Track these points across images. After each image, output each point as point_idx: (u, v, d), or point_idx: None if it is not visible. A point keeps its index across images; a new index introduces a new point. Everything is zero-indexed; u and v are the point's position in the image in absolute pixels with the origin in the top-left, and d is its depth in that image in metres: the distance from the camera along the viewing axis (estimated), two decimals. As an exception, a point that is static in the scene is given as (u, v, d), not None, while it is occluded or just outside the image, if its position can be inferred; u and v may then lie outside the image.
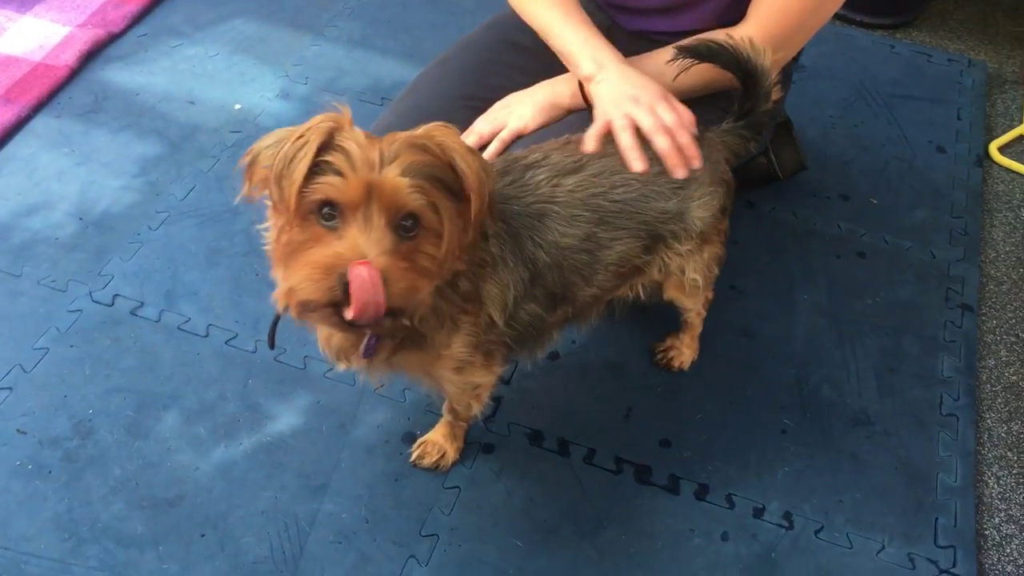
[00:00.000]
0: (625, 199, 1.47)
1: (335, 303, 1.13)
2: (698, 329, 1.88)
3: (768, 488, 1.74)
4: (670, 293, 1.68)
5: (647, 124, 1.46)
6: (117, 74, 2.44)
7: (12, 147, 2.23)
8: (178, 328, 1.90)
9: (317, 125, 1.14)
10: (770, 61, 1.53)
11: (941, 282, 2.13)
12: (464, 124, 1.69)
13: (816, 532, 1.68)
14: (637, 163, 1.45)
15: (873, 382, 1.92)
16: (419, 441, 1.73)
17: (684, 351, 1.89)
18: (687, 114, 1.49)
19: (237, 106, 2.37)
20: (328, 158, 1.13)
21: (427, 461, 1.71)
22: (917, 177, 2.38)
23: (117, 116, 2.32)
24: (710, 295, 1.84)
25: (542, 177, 1.43)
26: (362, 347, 1.34)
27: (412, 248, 1.18)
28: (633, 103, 1.47)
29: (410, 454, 1.72)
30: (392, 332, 1.27)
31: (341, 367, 1.45)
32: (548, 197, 1.43)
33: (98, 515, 1.62)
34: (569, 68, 1.64)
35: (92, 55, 2.47)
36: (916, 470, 1.78)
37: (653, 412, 1.84)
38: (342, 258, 1.12)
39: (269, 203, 1.21)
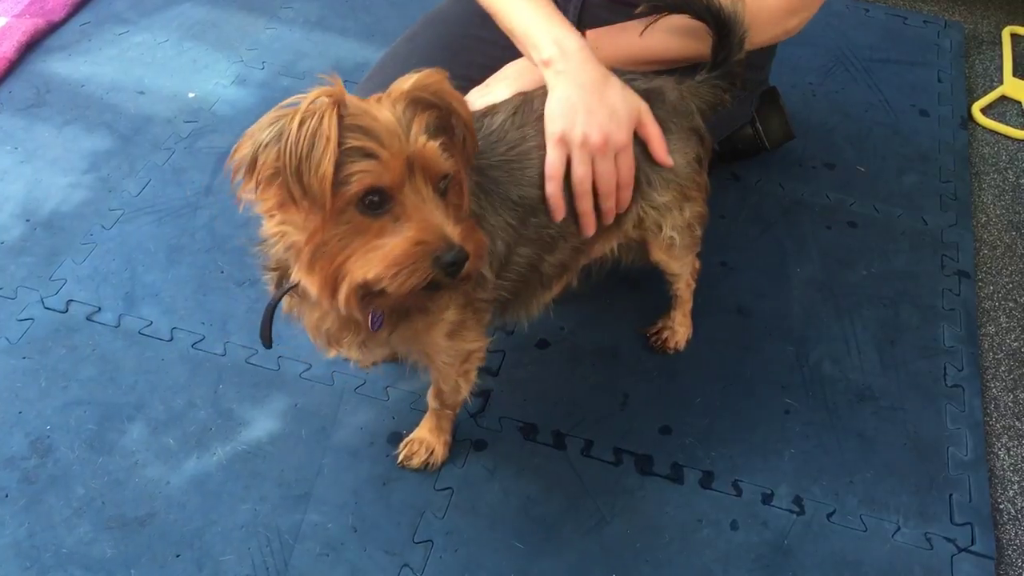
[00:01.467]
0: None
1: (433, 283, 1.10)
2: (689, 304, 1.79)
3: (775, 472, 1.65)
4: (655, 255, 1.61)
5: (579, 173, 1.38)
6: (60, 65, 2.29)
7: (-51, 147, 2.08)
8: (139, 333, 1.77)
9: (320, 106, 1.02)
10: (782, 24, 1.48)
11: (935, 249, 2.06)
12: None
13: (828, 516, 1.60)
14: (587, 230, 1.44)
15: (875, 355, 1.84)
16: (405, 440, 1.62)
17: (678, 330, 1.81)
18: (627, 168, 1.41)
19: (191, 94, 2.24)
20: (348, 140, 1.04)
21: (416, 461, 1.60)
22: (902, 142, 2.31)
23: (62, 110, 2.18)
24: (697, 264, 1.76)
25: (500, 120, 1.39)
26: (372, 318, 1.25)
27: (448, 204, 1.14)
28: (583, 125, 1.36)
29: (396, 455, 1.61)
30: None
31: (331, 354, 1.38)
32: (518, 140, 1.38)
33: (62, 539, 1.49)
34: (524, 51, 1.49)
35: (32, 46, 2.32)
36: (925, 445, 1.71)
37: (650, 398, 1.75)
38: (427, 244, 1.08)
39: (263, 199, 1.10)
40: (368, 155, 1.04)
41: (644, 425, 1.71)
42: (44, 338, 1.75)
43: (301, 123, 1.01)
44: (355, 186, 1.04)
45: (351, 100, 1.06)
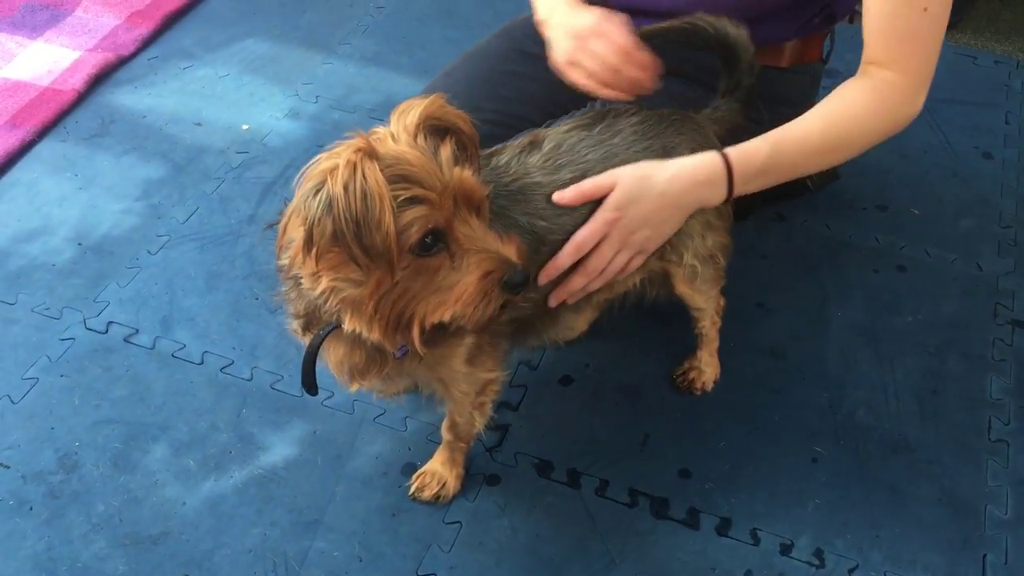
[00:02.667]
0: (608, 164, 1.43)
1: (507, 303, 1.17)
2: (715, 343, 1.75)
3: (797, 522, 1.59)
4: (678, 287, 1.59)
5: (593, 72, 1.48)
6: (125, 97, 2.39)
7: (16, 172, 2.18)
8: (172, 355, 1.82)
9: (363, 169, 1.04)
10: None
11: (989, 296, 1.97)
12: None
13: (850, 571, 1.53)
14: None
15: (914, 405, 1.76)
16: (418, 472, 1.62)
17: (705, 370, 1.76)
18: (623, 39, 1.47)
19: (245, 126, 2.31)
20: (394, 192, 1.06)
21: (427, 493, 1.60)
22: (961, 185, 2.23)
23: (122, 139, 2.27)
24: (722, 301, 1.72)
25: (505, 159, 1.40)
26: (398, 348, 1.26)
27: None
28: (578, 51, 1.49)
29: (408, 486, 1.61)
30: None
31: (353, 388, 1.39)
32: (524, 173, 1.39)
33: (78, 554, 1.53)
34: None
35: (101, 79, 2.42)
36: (962, 502, 1.62)
37: (672, 439, 1.71)
38: (494, 273, 1.14)
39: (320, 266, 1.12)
40: (416, 201, 1.07)
41: (663, 467, 1.67)
42: (82, 357, 1.81)
43: (346, 187, 1.02)
44: (414, 234, 1.07)
45: (379, 147, 1.08)
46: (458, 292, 1.14)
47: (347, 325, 1.19)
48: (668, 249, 1.52)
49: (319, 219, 1.05)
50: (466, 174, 1.13)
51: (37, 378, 1.77)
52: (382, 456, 1.67)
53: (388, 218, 1.04)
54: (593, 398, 1.77)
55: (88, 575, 1.51)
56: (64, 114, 2.32)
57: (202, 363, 1.80)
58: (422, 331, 1.17)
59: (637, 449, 1.69)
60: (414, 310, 1.15)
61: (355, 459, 1.67)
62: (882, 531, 1.58)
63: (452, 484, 1.60)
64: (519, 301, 1.20)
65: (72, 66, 2.43)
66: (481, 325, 1.17)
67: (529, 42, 1.94)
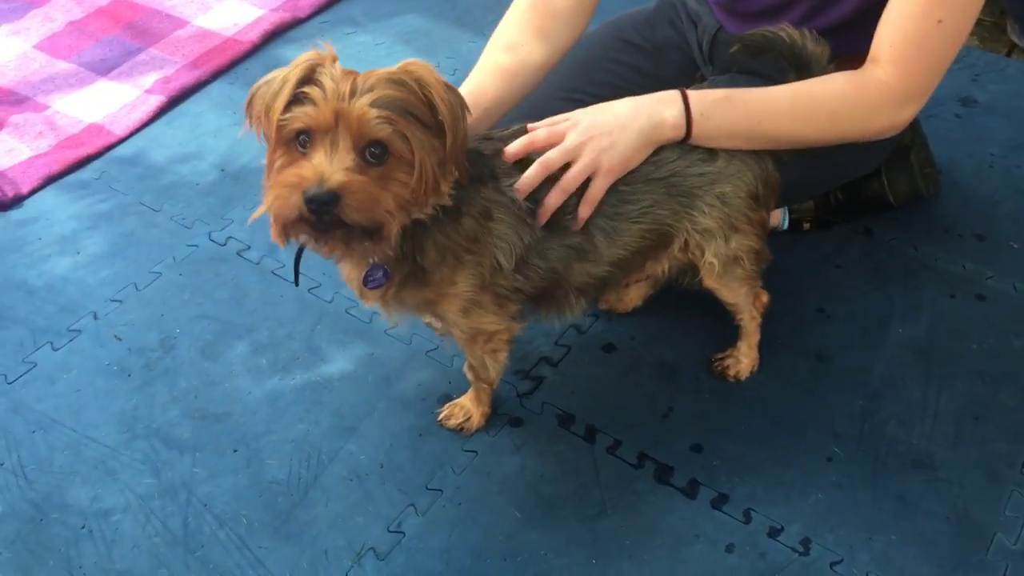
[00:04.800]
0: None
1: (302, 217, 1.23)
2: (754, 336, 1.80)
3: (794, 511, 1.63)
4: (706, 281, 1.65)
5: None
6: (292, 53, 2.67)
7: (186, 105, 2.53)
8: (272, 272, 2.07)
9: (299, 61, 1.25)
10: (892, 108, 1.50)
11: (1069, 338, 1.90)
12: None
13: (832, 564, 1.56)
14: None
15: (951, 427, 1.75)
16: (449, 403, 1.78)
17: (741, 360, 1.82)
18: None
19: (385, 89, 2.55)
20: (307, 90, 1.23)
21: (452, 422, 1.76)
22: (1075, 228, 2.14)
23: (280, 88, 2.56)
24: (764, 299, 1.77)
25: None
26: (363, 275, 1.42)
27: (382, 174, 1.26)
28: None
29: (438, 413, 1.77)
30: (347, 243, 1.32)
31: (366, 304, 1.55)
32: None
33: (155, 417, 1.80)
34: None
35: (275, 35, 2.74)
36: (971, 525, 1.60)
37: (693, 416, 1.78)
38: (303, 177, 1.22)
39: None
40: (312, 103, 1.22)
41: (677, 439, 1.74)
42: (200, 262, 2.10)
43: (283, 75, 1.25)
44: (292, 124, 1.24)
45: (331, 66, 1.26)
46: (278, 180, 1.26)
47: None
48: (691, 242, 1.57)
49: (259, 87, 1.29)
50: (364, 108, 1.21)
51: (160, 273, 2.07)
52: (424, 384, 1.84)
53: (280, 101, 1.23)
54: (630, 368, 1.87)
55: (159, 435, 1.77)
56: (238, 62, 2.65)
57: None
58: (276, 221, 1.28)
59: (658, 420, 1.78)
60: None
61: (400, 383, 1.85)
62: (877, 535, 1.59)
63: (476, 419, 1.75)
64: (312, 221, 1.23)
65: (254, 22, 2.76)
66: (279, 221, 1.25)
67: (633, 32, 2.06)
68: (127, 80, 2.57)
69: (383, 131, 1.23)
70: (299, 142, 1.26)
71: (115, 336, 1.95)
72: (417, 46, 2.70)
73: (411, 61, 1.29)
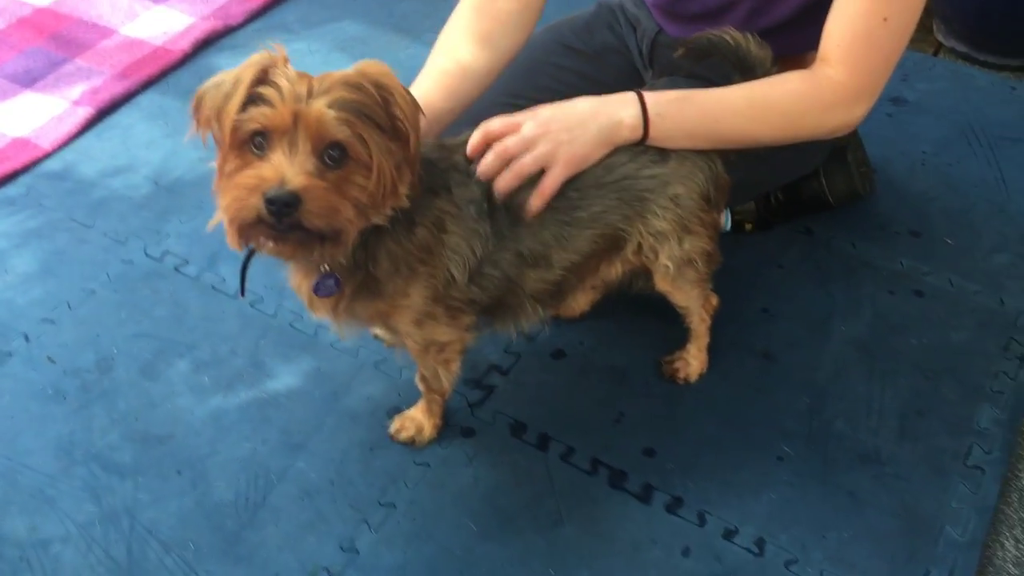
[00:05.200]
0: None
1: (261, 220, 1.21)
2: (704, 339, 1.81)
3: (747, 512, 1.64)
4: (659, 284, 1.65)
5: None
6: (225, 61, 2.63)
7: (117, 117, 2.45)
8: (212, 287, 2.02)
9: (251, 62, 1.22)
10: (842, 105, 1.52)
11: (1004, 331, 1.95)
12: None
13: (787, 564, 1.57)
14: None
15: (895, 422, 1.78)
16: (400, 416, 1.75)
17: (691, 362, 1.83)
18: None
19: (322, 97, 2.51)
20: (261, 91, 1.20)
21: (403, 435, 1.73)
22: (1006, 220, 2.19)
23: (213, 97, 2.51)
24: (714, 301, 1.78)
25: (465, 136, 1.49)
26: (313, 283, 1.39)
27: (340, 177, 1.24)
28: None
29: (388, 426, 1.75)
30: (304, 247, 1.29)
31: (315, 315, 1.51)
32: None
33: (94, 442, 1.74)
34: None
35: (207, 43, 2.68)
36: (920, 518, 1.63)
37: (644, 420, 1.78)
38: (264, 179, 1.20)
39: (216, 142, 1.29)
40: (267, 103, 1.19)
41: (630, 444, 1.74)
42: (136, 279, 2.04)
43: (233, 76, 1.22)
44: (247, 125, 1.20)
45: (284, 67, 1.22)
46: (234, 183, 1.22)
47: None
48: (644, 245, 1.57)
49: (208, 89, 1.25)
50: (322, 110, 1.18)
51: (95, 291, 2.01)
52: (373, 397, 1.82)
53: (234, 103, 1.20)
54: (580, 374, 1.87)
55: (99, 460, 1.71)
56: (168, 71, 2.58)
57: (236, 297, 2.00)
58: (231, 224, 1.25)
59: (610, 424, 1.78)
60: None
61: (349, 396, 1.82)
62: (830, 532, 1.61)
63: (428, 431, 1.73)
64: (271, 223, 1.21)
65: (185, 30, 2.69)
66: (235, 224, 1.23)
67: (573, 37, 2.05)
68: (53, 92, 2.49)
69: (342, 133, 1.21)
70: (254, 144, 1.22)
71: (49, 358, 1.88)
72: (354, 53, 2.66)
73: (367, 63, 1.26)
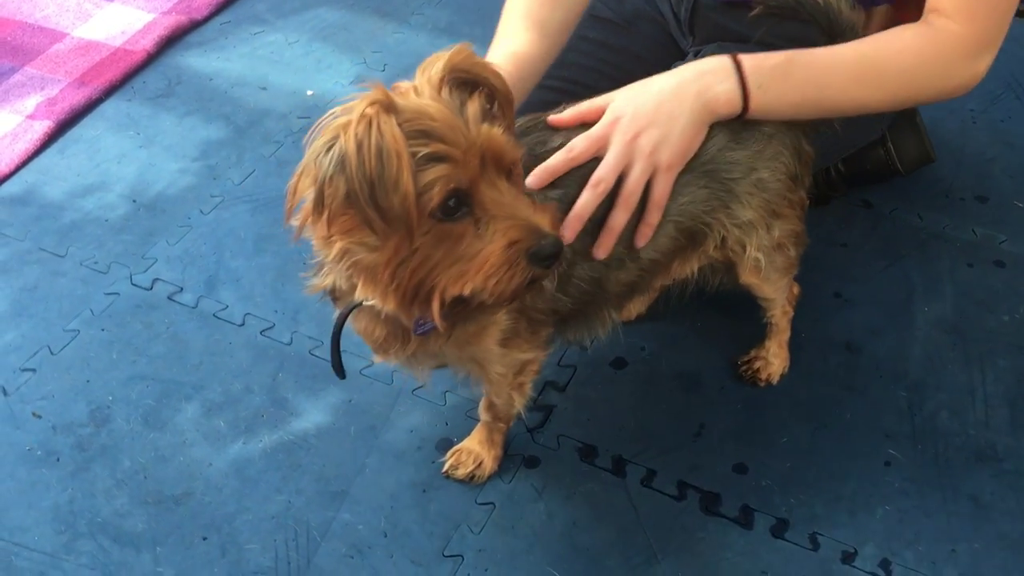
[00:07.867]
0: None
1: (534, 279, 1.05)
2: (785, 334, 1.61)
3: (863, 529, 1.44)
4: (744, 278, 1.45)
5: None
6: (194, 60, 2.37)
7: (79, 129, 2.18)
8: (214, 315, 1.77)
9: (376, 122, 0.94)
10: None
11: (1098, 298, 1.78)
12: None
13: (920, 587, 1.38)
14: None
15: (1005, 411, 1.59)
16: (453, 449, 1.53)
17: (772, 361, 1.63)
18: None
19: (309, 92, 2.26)
20: (413, 148, 0.96)
21: (461, 472, 1.50)
22: (1074, 179, 2.03)
23: (186, 101, 2.24)
24: (796, 289, 1.59)
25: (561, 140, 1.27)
26: (414, 324, 1.16)
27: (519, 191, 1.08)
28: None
29: (443, 462, 1.52)
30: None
31: (379, 359, 1.30)
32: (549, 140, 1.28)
33: (99, 509, 1.49)
34: None
35: (172, 41, 2.41)
36: (1055, 520, 1.45)
37: (729, 432, 1.58)
38: (521, 242, 1.02)
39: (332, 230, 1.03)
40: (438, 159, 0.97)
41: (717, 461, 1.54)
42: (124, 313, 1.78)
43: (360, 144, 0.93)
44: (436, 196, 0.97)
45: (399, 100, 0.98)
46: (480, 262, 1.02)
47: (359, 294, 1.09)
48: (730, 238, 1.38)
49: (331, 178, 0.96)
50: (495, 132, 1.02)
51: (78, 330, 1.74)
52: (417, 430, 1.58)
53: (406, 177, 0.94)
54: (646, 383, 1.65)
55: (107, 530, 1.46)
56: (132, 74, 2.31)
57: (243, 325, 1.75)
58: (442, 304, 1.05)
59: (690, 440, 1.57)
60: (434, 281, 1.03)
61: (389, 431, 1.58)
62: (959, 545, 1.42)
63: (489, 464, 1.51)
64: (546, 275, 1.07)
65: (145, 28, 2.42)
66: (505, 299, 1.05)
67: (601, 5, 1.84)
68: (4, 106, 2.20)
69: (517, 148, 1.05)
70: (445, 210, 0.99)
71: (33, 414, 1.62)
72: (337, 42, 2.41)
73: (455, 51, 1.06)
